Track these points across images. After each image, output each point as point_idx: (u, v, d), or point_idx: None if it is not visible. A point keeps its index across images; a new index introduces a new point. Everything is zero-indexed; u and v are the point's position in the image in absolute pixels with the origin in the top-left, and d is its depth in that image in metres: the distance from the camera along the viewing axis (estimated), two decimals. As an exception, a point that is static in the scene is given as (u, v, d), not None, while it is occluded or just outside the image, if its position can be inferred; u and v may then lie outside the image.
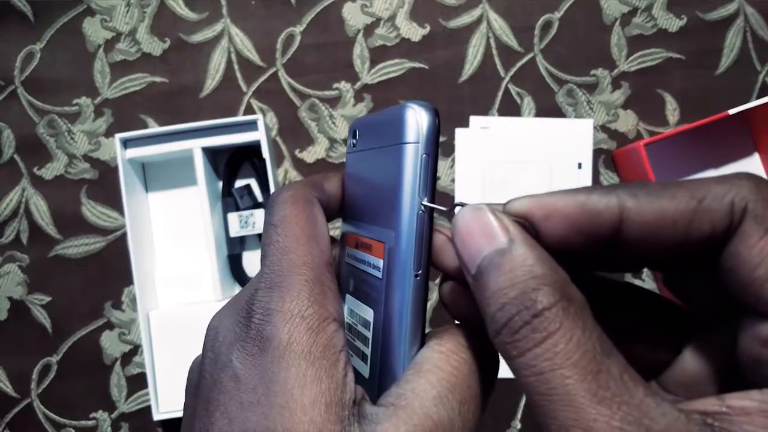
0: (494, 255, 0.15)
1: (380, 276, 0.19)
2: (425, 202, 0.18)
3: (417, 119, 0.18)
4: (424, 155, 0.18)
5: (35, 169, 0.60)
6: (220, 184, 0.58)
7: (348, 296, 0.22)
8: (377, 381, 0.19)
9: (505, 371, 0.16)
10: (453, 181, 0.58)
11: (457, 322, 0.20)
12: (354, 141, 0.22)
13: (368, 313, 0.20)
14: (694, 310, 0.18)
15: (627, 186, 0.16)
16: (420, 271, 0.18)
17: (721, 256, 0.15)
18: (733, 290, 0.15)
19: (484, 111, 0.59)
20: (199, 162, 0.54)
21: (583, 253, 0.16)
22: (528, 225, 0.16)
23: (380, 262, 0.19)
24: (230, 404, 0.17)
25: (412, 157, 0.18)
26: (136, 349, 0.59)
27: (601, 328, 0.19)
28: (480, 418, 0.18)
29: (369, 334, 0.20)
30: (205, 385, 0.18)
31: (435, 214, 0.19)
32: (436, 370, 0.17)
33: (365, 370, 0.20)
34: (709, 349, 0.17)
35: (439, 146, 0.19)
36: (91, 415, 0.59)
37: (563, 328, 0.14)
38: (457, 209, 0.18)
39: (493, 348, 0.18)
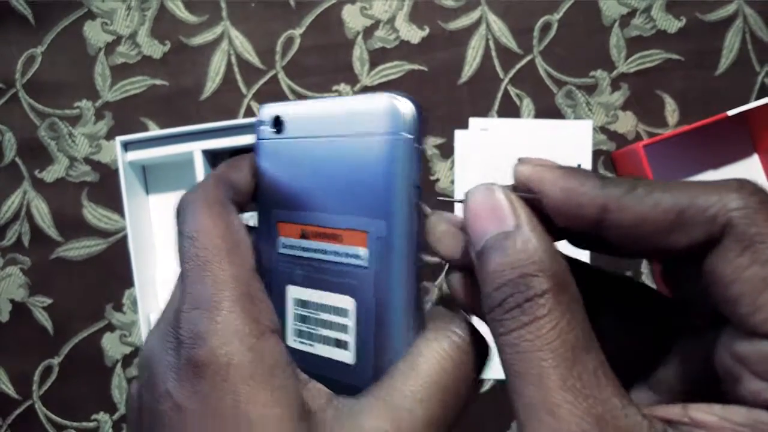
0: (500, 236, 0.16)
1: (364, 264, 0.19)
2: (440, 198, 0.19)
3: (405, 110, 0.19)
4: (416, 146, 0.19)
5: (36, 172, 0.60)
6: (221, 186, 0.59)
7: (291, 287, 0.22)
8: (372, 366, 0.19)
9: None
10: (452, 182, 0.58)
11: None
12: (275, 128, 0.22)
13: (345, 302, 0.20)
14: (688, 308, 0.18)
15: (620, 183, 0.16)
16: (420, 255, 0.19)
17: (701, 267, 0.15)
18: (712, 300, 0.15)
19: (484, 113, 0.59)
20: (200, 164, 0.55)
21: (576, 233, 0.17)
22: (536, 197, 0.17)
23: (361, 251, 0.19)
24: None
25: (406, 149, 0.19)
26: (137, 350, 0.59)
27: (597, 319, 0.19)
28: (459, 416, 0.18)
29: (349, 322, 0.20)
30: (146, 421, 0.18)
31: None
32: (426, 369, 0.17)
33: (347, 357, 0.20)
34: (695, 353, 0.17)
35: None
36: (93, 417, 0.59)
37: (550, 315, 0.15)
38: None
39: (485, 354, 0.18)
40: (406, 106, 0.19)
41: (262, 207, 0.23)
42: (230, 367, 0.17)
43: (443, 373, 0.17)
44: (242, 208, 0.22)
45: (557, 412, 0.14)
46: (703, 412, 0.14)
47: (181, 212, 0.20)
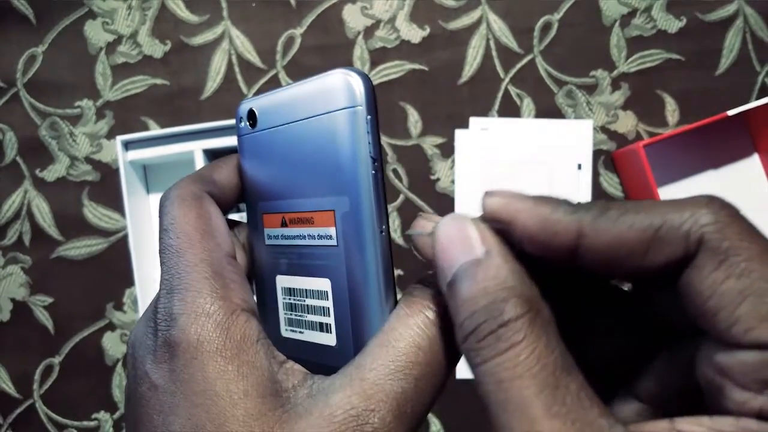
0: (470, 265, 0.16)
1: (335, 243, 0.19)
2: (408, 233, 0.19)
3: (355, 83, 0.19)
4: (369, 116, 0.19)
5: (37, 171, 0.60)
6: (221, 185, 0.59)
7: (280, 277, 0.22)
8: (352, 345, 0.19)
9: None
10: (453, 182, 0.59)
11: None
12: (250, 122, 0.22)
13: (323, 284, 0.20)
14: (661, 324, 0.18)
15: (591, 207, 0.16)
16: (384, 227, 0.19)
17: (678, 283, 0.15)
18: (690, 315, 0.15)
19: (484, 112, 0.59)
20: (200, 164, 0.55)
21: (550, 261, 0.16)
22: (505, 227, 0.17)
23: (331, 231, 0.20)
24: (152, 414, 0.17)
25: (357, 120, 0.19)
26: (137, 350, 0.59)
27: (580, 327, 0.19)
28: (437, 393, 0.18)
29: (329, 304, 0.20)
30: (131, 403, 0.18)
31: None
32: (399, 344, 0.17)
33: (330, 340, 0.20)
34: (677, 364, 0.17)
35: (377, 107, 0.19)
36: (93, 416, 0.59)
37: (527, 340, 0.14)
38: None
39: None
40: (354, 80, 0.19)
41: (249, 202, 0.23)
42: (200, 344, 0.17)
43: (417, 350, 0.17)
44: (229, 205, 0.23)
45: None
46: (690, 425, 0.14)
47: (160, 209, 0.21)
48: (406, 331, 0.18)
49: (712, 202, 0.15)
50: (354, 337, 0.19)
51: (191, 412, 0.17)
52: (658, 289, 0.17)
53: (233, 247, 0.21)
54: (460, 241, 0.16)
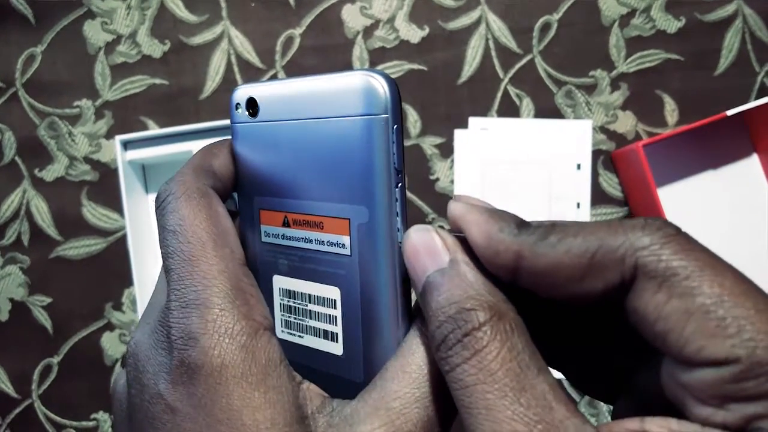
0: (436, 275, 0.16)
1: (347, 253, 0.19)
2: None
3: (381, 89, 0.18)
4: (395, 126, 0.18)
5: (36, 171, 0.60)
6: (220, 185, 0.59)
7: (278, 277, 0.21)
8: (362, 356, 0.19)
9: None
10: (452, 182, 0.59)
11: None
12: (250, 111, 0.21)
13: (332, 292, 0.19)
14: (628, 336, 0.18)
15: (535, 230, 0.16)
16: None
17: (625, 307, 0.15)
18: (643, 336, 0.15)
19: (484, 112, 0.59)
20: (199, 164, 0.55)
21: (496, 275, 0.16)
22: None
23: (344, 239, 0.19)
24: None
25: (383, 130, 0.18)
26: (136, 350, 0.59)
27: (568, 330, 0.18)
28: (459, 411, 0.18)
29: (337, 312, 0.19)
30: (137, 419, 0.17)
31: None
32: (423, 370, 0.17)
33: (336, 349, 0.19)
34: (655, 370, 0.17)
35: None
36: (92, 416, 0.59)
37: (489, 346, 0.15)
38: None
39: None
40: (380, 85, 0.18)
41: (243, 193, 0.21)
42: (224, 368, 0.16)
43: (437, 374, 0.17)
44: (224, 196, 0.21)
45: None
46: (659, 427, 0.14)
47: (161, 206, 0.19)
48: (427, 351, 0.17)
49: (649, 223, 0.14)
50: (365, 349, 0.19)
51: None
52: (608, 311, 0.16)
53: (243, 253, 0.19)
54: (425, 251, 0.17)
